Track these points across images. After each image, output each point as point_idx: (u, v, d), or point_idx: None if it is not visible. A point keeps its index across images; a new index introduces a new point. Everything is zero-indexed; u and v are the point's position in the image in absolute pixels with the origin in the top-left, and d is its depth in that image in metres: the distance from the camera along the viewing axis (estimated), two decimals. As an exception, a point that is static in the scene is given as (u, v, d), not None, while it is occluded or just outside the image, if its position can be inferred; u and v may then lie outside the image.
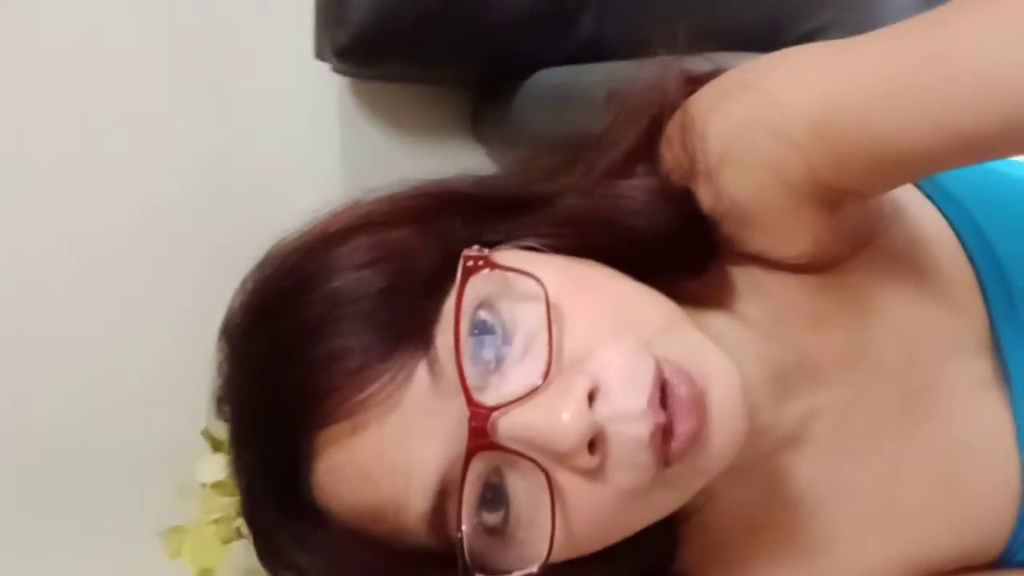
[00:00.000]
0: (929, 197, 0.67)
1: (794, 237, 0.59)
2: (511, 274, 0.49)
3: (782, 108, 0.56)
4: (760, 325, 0.61)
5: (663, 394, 0.47)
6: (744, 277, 0.61)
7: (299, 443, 0.49)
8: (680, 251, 0.58)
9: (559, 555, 0.49)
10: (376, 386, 0.47)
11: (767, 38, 1.00)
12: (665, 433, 0.47)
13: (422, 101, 1.30)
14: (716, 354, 0.51)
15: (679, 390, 0.47)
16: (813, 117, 0.55)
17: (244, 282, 0.55)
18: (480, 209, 0.56)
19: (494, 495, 0.48)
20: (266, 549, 0.54)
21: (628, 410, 0.46)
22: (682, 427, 0.47)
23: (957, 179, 0.67)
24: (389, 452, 0.47)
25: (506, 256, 0.52)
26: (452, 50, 1.14)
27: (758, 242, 0.60)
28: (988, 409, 0.66)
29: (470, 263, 0.48)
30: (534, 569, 0.48)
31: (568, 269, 0.52)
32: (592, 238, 0.55)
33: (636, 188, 0.58)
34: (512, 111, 1.18)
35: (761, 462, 0.62)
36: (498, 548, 0.49)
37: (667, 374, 0.48)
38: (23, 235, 1.12)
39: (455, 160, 1.20)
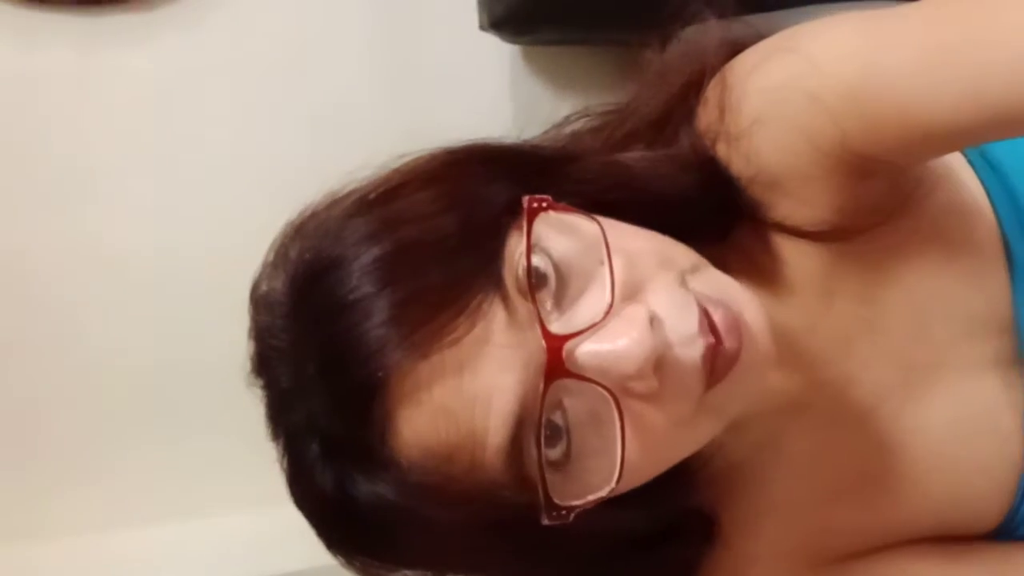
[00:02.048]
0: (972, 165, 0.65)
1: (818, 204, 0.60)
2: (570, 216, 0.52)
3: (820, 73, 0.56)
4: (774, 290, 0.62)
5: (711, 323, 0.51)
6: (764, 243, 0.62)
7: (373, 386, 0.49)
8: (701, 217, 0.59)
9: (628, 479, 0.51)
10: (457, 321, 0.48)
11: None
12: (713, 355, 0.51)
13: (587, 61, 1.33)
14: (741, 289, 0.54)
15: (718, 316, 0.51)
16: (849, 84, 0.56)
17: (272, 250, 0.57)
18: (516, 166, 0.57)
19: (554, 431, 0.50)
20: (331, 507, 0.54)
21: (684, 333, 0.50)
22: (725, 346, 0.51)
23: (1004, 149, 0.65)
24: (468, 383, 0.49)
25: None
26: (605, 11, 1.16)
27: (782, 208, 0.60)
28: (998, 388, 0.63)
29: (534, 204, 0.51)
30: (605, 492, 0.50)
31: (614, 220, 0.54)
32: (610, 196, 0.56)
33: (658, 154, 0.60)
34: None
35: (761, 422, 0.63)
36: (563, 481, 0.51)
37: (706, 304, 0.51)
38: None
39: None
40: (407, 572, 0.57)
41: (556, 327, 0.49)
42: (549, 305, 0.50)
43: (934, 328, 0.63)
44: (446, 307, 0.48)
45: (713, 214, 0.60)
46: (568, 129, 0.65)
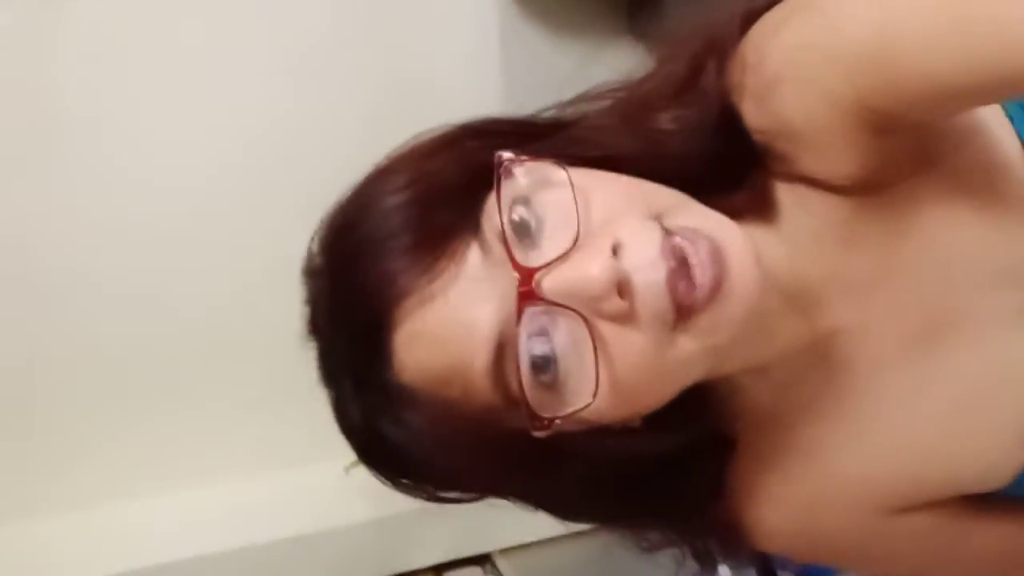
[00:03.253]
0: (1012, 120, 0.65)
1: (840, 158, 0.61)
2: (539, 164, 0.57)
3: (838, 31, 0.58)
4: (794, 239, 0.64)
5: (680, 254, 0.54)
6: (788, 193, 0.64)
7: (379, 322, 0.57)
8: (714, 170, 0.62)
9: (606, 399, 0.55)
10: (441, 262, 0.55)
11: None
12: (688, 283, 0.54)
13: (579, 3, 1.30)
14: (727, 223, 0.56)
15: (697, 245, 0.54)
16: (867, 43, 0.57)
17: (316, 231, 0.63)
18: (511, 134, 0.62)
19: (542, 357, 0.55)
20: (365, 437, 0.61)
21: (644, 257, 0.54)
22: (703, 275, 0.53)
23: None
24: (453, 314, 0.55)
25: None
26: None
27: (806, 161, 0.62)
28: (1019, 343, 0.65)
29: (504, 160, 0.57)
30: (581, 405, 0.55)
31: (587, 169, 0.59)
32: (618, 154, 0.60)
33: (672, 116, 0.63)
34: (667, 6, 1.16)
35: (781, 366, 0.65)
36: (552, 400, 0.56)
37: (682, 235, 0.54)
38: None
39: (613, 59, 1.21)
40: (447, 494, 0.63)
41: (529, 261, 0.55)
42: (525, 246, 0.56)
43: (957, 280, 0.65)
44: (436, 251, 0.56)
45: (726, 168, 0.62)
46: (578, 105, 0.66)
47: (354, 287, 0.58)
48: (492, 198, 0.56)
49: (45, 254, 1.25)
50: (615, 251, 0.54)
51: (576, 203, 0.55)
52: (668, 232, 0.55)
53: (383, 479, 0.63)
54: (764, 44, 0.61)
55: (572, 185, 0.56)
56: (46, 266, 1.26)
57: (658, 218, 0.55)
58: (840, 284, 0.65)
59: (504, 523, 1.37)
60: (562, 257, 0.55)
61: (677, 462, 0.65)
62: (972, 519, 0.70)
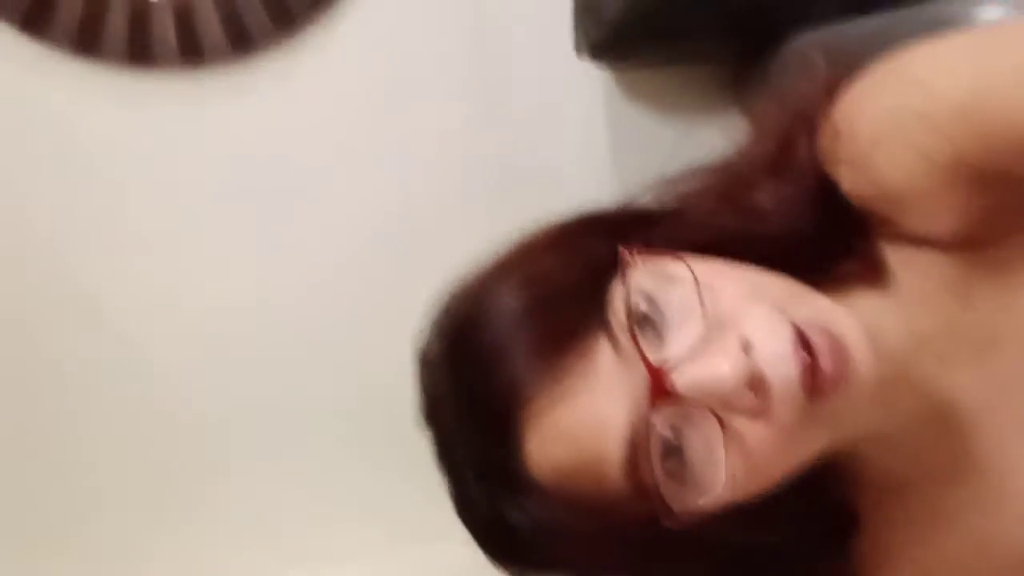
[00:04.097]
0: None
1: (943, 216, 0.61)
2: (661, 260, 0.58)
3: (929, 92, 0.60)
4: (907, 302, 0.63)
5: (806, 344, 0.55)
6: (896, 255, 0.64)
7: (508, 422, 0.58)
8: (818, 244, 0.63)
9: (736, 486, 0.56)
10: (572, 360, 0.56)
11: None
12: (814, 373, 0.54)
13: (684, 81, 1.33)
14: (842, 311, 0.57)
15: (818, 338, 0.55)
16: (957, 101, 0.59)
17: (429, 318, 0.65)
18: (618, 224, 0.64)
19: (673, 448, 0.56)
20: (489, 527, 0.62)
21: (777, 353, 0.54)
22: (827, 365, 0.54)
23: None
24: (587, 412, 0.56)
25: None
26: (705, 24, 1.16)
27: (909, 221, 0.62)
28: None
29: (628, 253, 0.58)
30: (714, 497, 0.56)
31: (704, 259, 0.59)
32: (723, 237, 0.61)
33: (770, 193, 0.63)
34: (773, 76, 1.17)
35: (905, 434, 0.64)
36: (683, 491, 0.57)
37: (804, 327, 0.55)
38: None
39: (723, 136, 1.22)
40: None
41: (656, 357, 0.55)
42: (651, 340, 0.56)
43: None
44: (564, 350, 0.56)
45: (831, 239, 0.63)
46: (676, 189, 0.67)
47: (480, 387, 0.59)
48: (616, 294, 0.57)
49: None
50: (744, 347, 0.55)
51: (700, 296, 0.56)
52: (794, 323, 0.55)
53: (502, 566, 0.64)
54: (855, 111, 0.62)
55: (696, 279, 0.57)
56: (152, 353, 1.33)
57: (781, 310, 0.56)
58: (958, 344, 0.64)
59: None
60: (692, 354, 0.55)
61: (803, 540, 0.65)
62: None
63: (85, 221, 1.28)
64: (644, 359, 0.55)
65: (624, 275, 0.57)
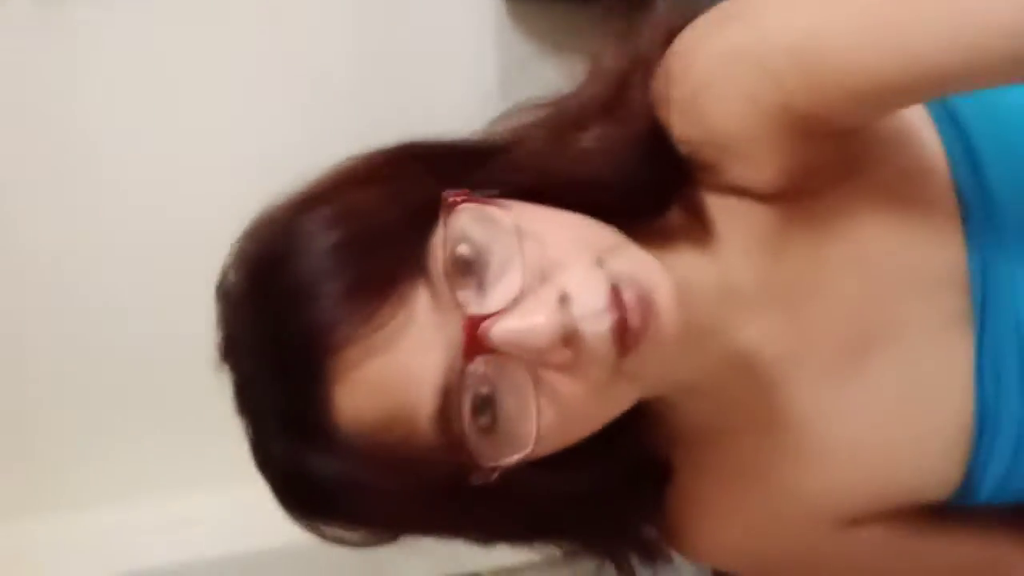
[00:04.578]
0: (936, 123, 0.66)
1: (765, 166, 0.62)
2: (485, 206, 0.57)
3: (764, 37, 0.60)
4: (724, 255, 0.64)
5: (618, 300, 0.55)
6: (717, 205, 0.65)
7: (315, 369, 0.55)
8: (644, 192, 0.63)
9: (546, 441, 0.56)
10: (385, 307, 0.54)
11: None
12: (621, 329, 0.55)
13: (577, 19, 1.31)
14: (656, 266, 0.58)
15: (629, 294, 0.55)
16: (792, 46, 0.59)
17: (233, 246, 0.61)
18: (444, 159, 0.62)
19: (484, 401, 0.56)
20: (288, 478, 0.59)
21: (592, 308, 0.54)
22: (635, 321, 0.55)
23: (970, 107, 0.66)
24: (401, 361, 0.54)
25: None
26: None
27: (733, 170, 0.63)
28: (950, 347, 0.65)
29: (451, 199, 0.56)
30: (523, 454, 0.55)
31: (525, 207, 0.59)
32: (538, 184, 0.60)
33: (600, 136, 0.63)
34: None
35: (714, 384, 0.65)
36: (493, 445, 0.56)
37: (618, 281, 0.55)
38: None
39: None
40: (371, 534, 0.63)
41: (474, 308, 0.54)
42: (471, 288, 0.55)
43: (885, 289, 0.65)
44: (377, 295, 0.54)
45: (657, 186, 0.63)
46: (511, 123, 0.66)
47: (284, 329, 0.56)
48: (437, 238, 0.56)
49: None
50: (561, 301, 0.54)
51: (522, 248, 0.55)
52: (610, 275, 0.55)
53: (301, 521, 0.62)
54: (690, 51, 0.62)
55: (519, 228, 0.56)
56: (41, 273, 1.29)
57: (600, 262, 0.56)
58: (769, 296, 0.65)
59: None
60: (510, 306, 0.54)
61: (616, 491, 0.66)
62: (930, 534, 0.69)
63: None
64: (461, 310, 0.54)
65: (446, 220, 0.56)
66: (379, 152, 0.62)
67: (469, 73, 1.32)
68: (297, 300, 0.55)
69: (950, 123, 0.66)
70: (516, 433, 0.56)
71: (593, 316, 0.54)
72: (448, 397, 0.55)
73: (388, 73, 1.32)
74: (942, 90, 0.62)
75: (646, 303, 0.55)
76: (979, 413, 0.65)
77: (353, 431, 0.56)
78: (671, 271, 0.57)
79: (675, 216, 0.65)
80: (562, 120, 0.65)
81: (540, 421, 0.55)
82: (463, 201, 0.56)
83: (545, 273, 0.55)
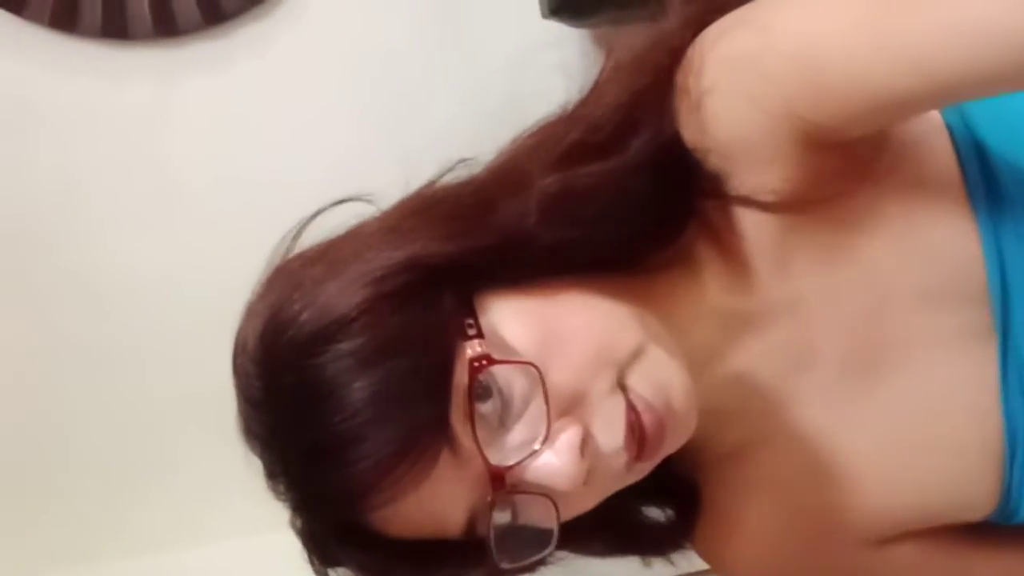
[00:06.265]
0: (951, 131, 0.63)
1: (771, 174, 0.61)
2: (508, 367, 0.57)
3: (771, 44, 0.59)
4: (728, 270, 0.64)
5: (637, 422, 0.57)
6: (720, 216, 0.64)
7: (348, 511, 0.58)
8: (659, 221, 0.62)
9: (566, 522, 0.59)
10: (403, 470, 0.55)
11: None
12: (639, 448, 0.58)
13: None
14: (675, 370, 0.59)
15: (648, 416, 0.57)
16: (796, 52, 0.58)
17: (256, 352, 0.60)
18: (458, 275, 0.59)
19: (508, 526, 0.59)
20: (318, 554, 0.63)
21: (614, 448, 0.58)
22: (651, 437, 0.57)
23: (985, 115, 0.63)
24: (427, 505, 0.57)
25: (495, 316, 0.59)
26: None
27: (735, 178, 0.62)
28: (971, 363, 0.62)
29: (475, 364, 0.56)
30: (540, 557, 0.60)
31: (545, 315, 0.59)
32: (564, 258, 0.60)
33: (608, 167, 0.61)
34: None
35: (720, 399, 0.65)
36: (517, 547, 0.59)
37: (637, 404, 0.57)
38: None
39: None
40: None
41: (498, 449, 0.56)
42: (498, 425, 0.57)
43: (896, 302, 0.63)
44: (403, 458, 0.55)
45: (675, 207, 0.63)
46: (514, 145, 0.66)
47: (317, 488, 0.58)
48: (457, 390, 0.56)
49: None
50: (585, 443, 0.57)
51: (547, 399, 0.56)
52: (630, 403, 0.57)
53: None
54: (702, 57, 0.61)
55: (543, 383, 0.56)
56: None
57: (622, 377, 0.58)
58: (776, 309, 0.64)
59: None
60: (535, 453, 0.57)
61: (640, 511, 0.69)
62: (967, 552, 0.67)
63: (63, 195, 1.31)
64: (485, 460, 0.56)
65: (471, 380, 0.56)
66: (398, 264, 0.59)
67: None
68: (327, 459, 0.56)
69: (965, 133, 0.63)
70: (539, 542, 0.59)
71: (614, 455, 0.58)
72: (473, 527, 0.58)
73: (482, 118, 1.34)
74: (947, 101, 0.61)
75: (661, 425, 0.57)
76: (1008, 428, 0.62)
77: (385, 534, 0.59)
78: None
79: (691, 236, 0.64)
80: (571, 150, 0.62)
81: (559, 521, 0.58)
82: (487, 364, 0.56)
83: (568, 406, 0.57)
